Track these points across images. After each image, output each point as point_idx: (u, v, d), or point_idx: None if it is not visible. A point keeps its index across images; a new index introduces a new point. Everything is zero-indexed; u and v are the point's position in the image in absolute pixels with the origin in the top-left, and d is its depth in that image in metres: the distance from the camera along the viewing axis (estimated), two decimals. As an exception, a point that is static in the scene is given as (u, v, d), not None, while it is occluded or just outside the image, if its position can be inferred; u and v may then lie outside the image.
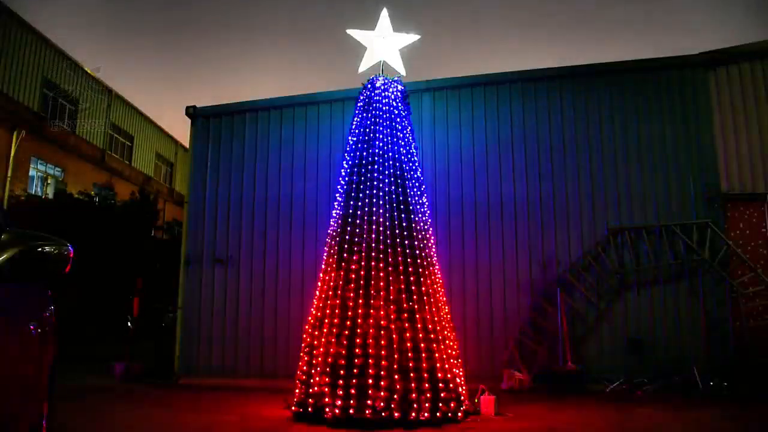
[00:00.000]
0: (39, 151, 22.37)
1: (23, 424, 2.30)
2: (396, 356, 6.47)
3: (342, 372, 6.47)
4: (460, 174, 10.83)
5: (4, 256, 2.11)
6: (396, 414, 6.22)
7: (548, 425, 6.62)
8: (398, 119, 7.89)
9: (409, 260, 7.04)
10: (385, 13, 8.33)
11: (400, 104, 8.05)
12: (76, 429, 6.25)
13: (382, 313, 6.64)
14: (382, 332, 6.54)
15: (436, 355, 6.79)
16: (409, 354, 6.53)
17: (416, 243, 7.23)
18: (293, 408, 7.01)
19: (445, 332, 7.16)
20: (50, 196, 22.86)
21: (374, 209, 7.19)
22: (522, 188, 10.69)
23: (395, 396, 6.29)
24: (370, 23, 8.48)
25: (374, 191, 7.29)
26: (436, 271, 7.56)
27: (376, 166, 7.43)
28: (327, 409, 6.42)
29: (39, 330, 2.47)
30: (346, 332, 6.62)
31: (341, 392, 6.40)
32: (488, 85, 11.23)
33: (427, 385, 6.49)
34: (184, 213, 11.72)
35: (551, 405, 7.97)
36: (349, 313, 6.71)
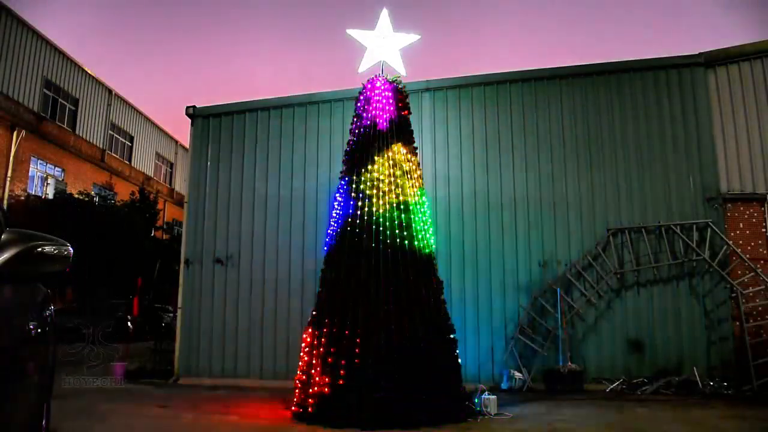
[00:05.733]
0: (39, 151, 22.38)
1: (23, 424, 2.30)
2: (396, 356, 6.47)
3: (342, 372, 6.47)
4: (459, 174, 10.82)
5: (5, 256, 2.11)
6: (396, 414, 6.22)
7: (548, 425, 6.62)
8: (398, 119, 7.88)
9: (408, 260, 7.03)
10: (385, 13, 8.32)
11: (400, 104, 8.05)
12: (76, 429, 6.25)
13: (382, 313, 6.64)
14: (382, 332, 6.54)
15: (436, 355, 6.79)
16: (409, 354, 6.53)
17: (416, 243, 7.24)
18: (293, 408, 7.01)
19: (445, 332, 7.16)
20: (50, 196, 22.87)
21: (374, 209, 7.19)
22: (522, 188, 10.68)
23: (395, 396, 6.29)
24: (370, 23, 8.49)
25: (374, 191, 7.29)
26: (436, 270, 7.56)
27: (375, 166, 7.44)
28: (327, 409, 6.42)
29: (39, 330, 2.47)
30: (346, 332, 6.62)
31: (341, 392, 6.40)
32: (488, 85, 11.22)
33: (426, 385, 6.49)
34: (184, 213, 11.70)
35: (551, 405, 7.97)
36: (349, 313, 6.71)
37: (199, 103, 11.89)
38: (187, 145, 17.83)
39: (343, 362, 6.50)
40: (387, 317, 6.61)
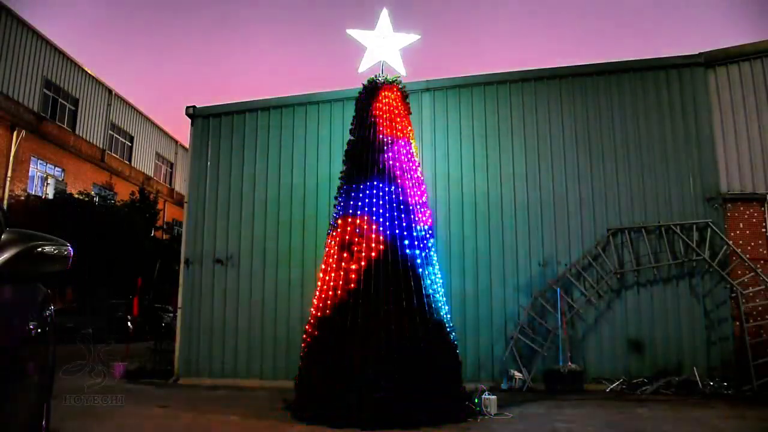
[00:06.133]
0: (39, 151, 22.38)
1: (23, 424, 2.30)
2: (395, 356, 6.47)
3: (342, 372, 6.47)
4: (459, 174, 10.81)
5: (5, 256, 2.11)
6: (396, 414, 6.22)
7: (548, 425, 6.62)
8: (398, 119, 7.89)
9: (408, 260, 7.04)
10: (385, 13, 8.33)
11: (399, 104, 8.05)
12: (76, 429, 6.25)
13: (381, 313, 6.64)
14: (382, 332, 6.54)
15: (436, 355, 6.79)
16: (409, 354, 6.53)
17: (416, 243, 7.24)
18: (293, 408, 7.01)
19: (445, 332, 7.16)
20: (50, 196, 22.87)
21: (374, 209, 7.19)
22: (522, 188, 10.67)
23: (395, 396, 6.29)
24: (370, 23, 8.49)
25: (374, 191, 7.29)
26: (435, 270, 7.56)
27: (375, 166, 7.44)
28: (327, 409, 6.42)
29: (39, 330, 2.47)
30: (346, 332, 6.62)
31: (341, 392, 6.39)
32: (488, 85, 11.22)
33: (426, 385, 6.49)
34: (184, 213, 11.69)
35: (551, 405, 7.97)
36: (349, 313, 6.71)
37: (199, 103, 11.90)
38: (187, 145, 17.82)
39: (343, 362, 6.50)
40: (387, 317, 6.62)
